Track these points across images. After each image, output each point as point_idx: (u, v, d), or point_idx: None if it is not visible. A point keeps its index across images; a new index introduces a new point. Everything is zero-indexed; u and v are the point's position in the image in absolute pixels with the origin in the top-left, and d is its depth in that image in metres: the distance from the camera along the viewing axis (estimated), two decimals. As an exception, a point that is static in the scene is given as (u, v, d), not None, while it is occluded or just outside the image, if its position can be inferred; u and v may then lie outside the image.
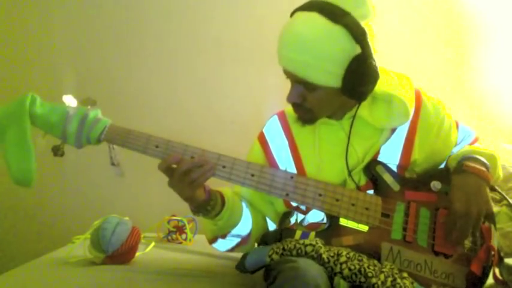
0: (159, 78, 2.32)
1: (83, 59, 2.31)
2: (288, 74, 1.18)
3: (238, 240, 1.31)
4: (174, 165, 1.13)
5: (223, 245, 1.33)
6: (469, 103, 2.21)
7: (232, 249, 1.34)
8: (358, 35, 1.09)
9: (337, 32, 1.09)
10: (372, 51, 1.12)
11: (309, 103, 1.19)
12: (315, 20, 1.10)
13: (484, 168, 1.19)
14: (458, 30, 2.22)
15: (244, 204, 1.32)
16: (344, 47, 1.10)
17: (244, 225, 1.29)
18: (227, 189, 1.29)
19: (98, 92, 2.21)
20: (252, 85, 2.24)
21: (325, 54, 1.10)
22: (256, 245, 1.33)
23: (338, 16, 1.09)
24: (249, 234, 1.31)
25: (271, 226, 1.36)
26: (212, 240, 1.32)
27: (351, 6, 1.10)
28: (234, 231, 1.28)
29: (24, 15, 2.32)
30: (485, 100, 2.22)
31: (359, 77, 1.12)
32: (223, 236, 1.29)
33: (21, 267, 1.47)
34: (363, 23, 1.11)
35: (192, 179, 1.12)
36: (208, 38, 2.28)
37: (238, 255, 1.33)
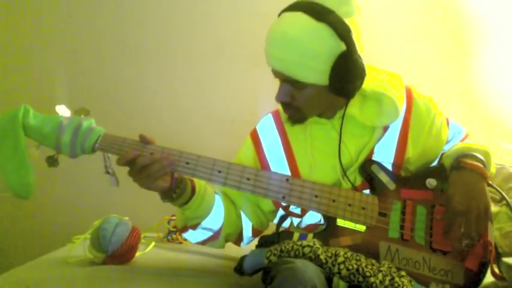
0: (158, 79, 2.31)
1: (77, 67, 2.31)
2: (276, 73, 1.20)
3: (209, 234, 1.31)
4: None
5: (193, 237, 1.34)
6: (470, 103, 2.20)
7: (203, 243, 1.35)
8: (342, 32, 1.10)
9: (321, 29, 1.11)
10: (357, 48, 1.13)
11: (297, 102, 1.20)
12: (300, 18, 1.12)
13: (481, 165, 1.20)
14: (459, 29, 2.22)
15: (218, 198, 1.32)
16: (329, 44, 1.11)
17: (215, 219, 1.29)
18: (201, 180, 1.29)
19: (96, 92, 2.25)
20: (252, 84, 2.24)
21: (310, 51, 1.11)
22: (254, 247, 1.33)
23: (322, 14, 1.11)
24: (220, 230, 1.31)
25: (247, 225, 1.35)
26: (182, 230, 1.33)
27: (335, 5, 1.12)
28: (204, 224, 1.28)
29: (16, 23, 2.31)
30: (485, 100, 2.21)
31: (345, 74, 1.13)
32: (194, 227, 1.29)
33: (21, 267, 1.47)
34: (347, 21, 1.12)
35: (149, 173, 1.15)
36: (207, 37, 2.28)
37: (238, 254, 1.33)
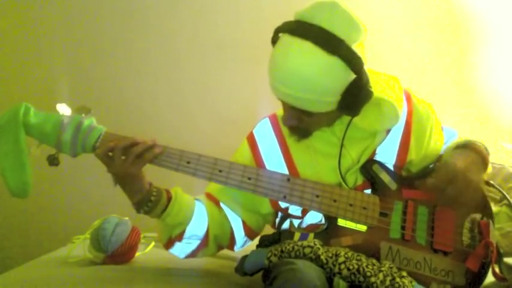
0: (160, 79, 2.31)
1: (78, 65, 2.31)
2: (284, 103, 1.17)
3: (197, 242, 1.29)
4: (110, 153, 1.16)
5: (181, 250, 1.31)
6: (469, 103, 2.20)
7: (192, 254, 1.32)
8: (355, 65, 1.07)
9: (334, 64, 1.06)
10: (368, 76, 1.10)
11: (305, 124, 1.19)
12: (311, 53, 1.06)
13: (485, 152, 1.21)
14: (458, 30, 2.22)
15: (199, 202, 1.30)
16: (341, 78, 1.08)
17: (199, 223, 1.27)
18: (177, 187, 1.28)
19: (102, 94, 2.24)
20: (253, 85, 2.23)
21: (323, 89, 1.08)
22: (255, 247, 1.32)
23: (334, 46, 1.05)
24: (207, 234, 1.29)
25: (237, 224, 1.33)
26: (168, 245, 1.30)
27: (344, 32, 1.07)
28: (189, 231, 1.26)
29: (16, 21, 2.31)
30: (485, 100, 2.21)
31: (354, 99, 1.11)
32: (179, 238, 1.27)
33: (21, 267, 1.47)
34: (355, 45, 1.08)
35: (135, 154, 1.15)
36: (209, 38, 2.28)
37: (239, 254, 1.33)
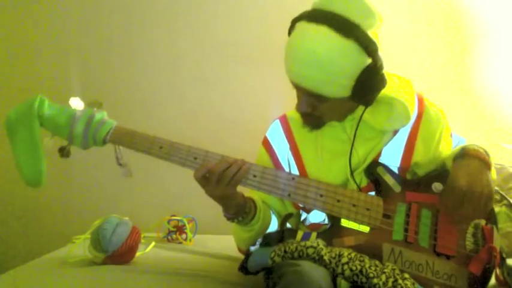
0: (164, 79, 2.31)
1: (90, 62, 2.31)
2: (298, 88, 1.18)
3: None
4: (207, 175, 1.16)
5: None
6: (469, 103, 2.21)
7: None
8: (369, 49, 1.08)
9: (349, 47, 1.08)
10: (382, 62, 1.11)
11: (319, 112, 1.20)
12: (327, 35, 1.08)
13: (485, 154, 1.20)
14: (458, 30, 2.22)
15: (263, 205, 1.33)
16: (356, 61, 1.09)
17: (272, 227, 1.32)
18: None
19: (104, 93, 2.24)
20: (256, 85, 2.23)
21: (338, 70, 1.09)
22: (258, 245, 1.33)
23: (349, 30, 1.07)
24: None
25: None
26: (248, 251, 1.32)
27: (360, 18, 1.09)
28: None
29: (31, 17, 2.31)
30: (485, 100, 2.21)
31: (369, 86, 1.12)
32: (254, 242, 1.30)
33: (21, 267, 1.47)
34: (370, 32, 1.10)
35: (230, 174, 1.15)
36: (212, 38, 2.28)
37: (238, 254, 1.33)
